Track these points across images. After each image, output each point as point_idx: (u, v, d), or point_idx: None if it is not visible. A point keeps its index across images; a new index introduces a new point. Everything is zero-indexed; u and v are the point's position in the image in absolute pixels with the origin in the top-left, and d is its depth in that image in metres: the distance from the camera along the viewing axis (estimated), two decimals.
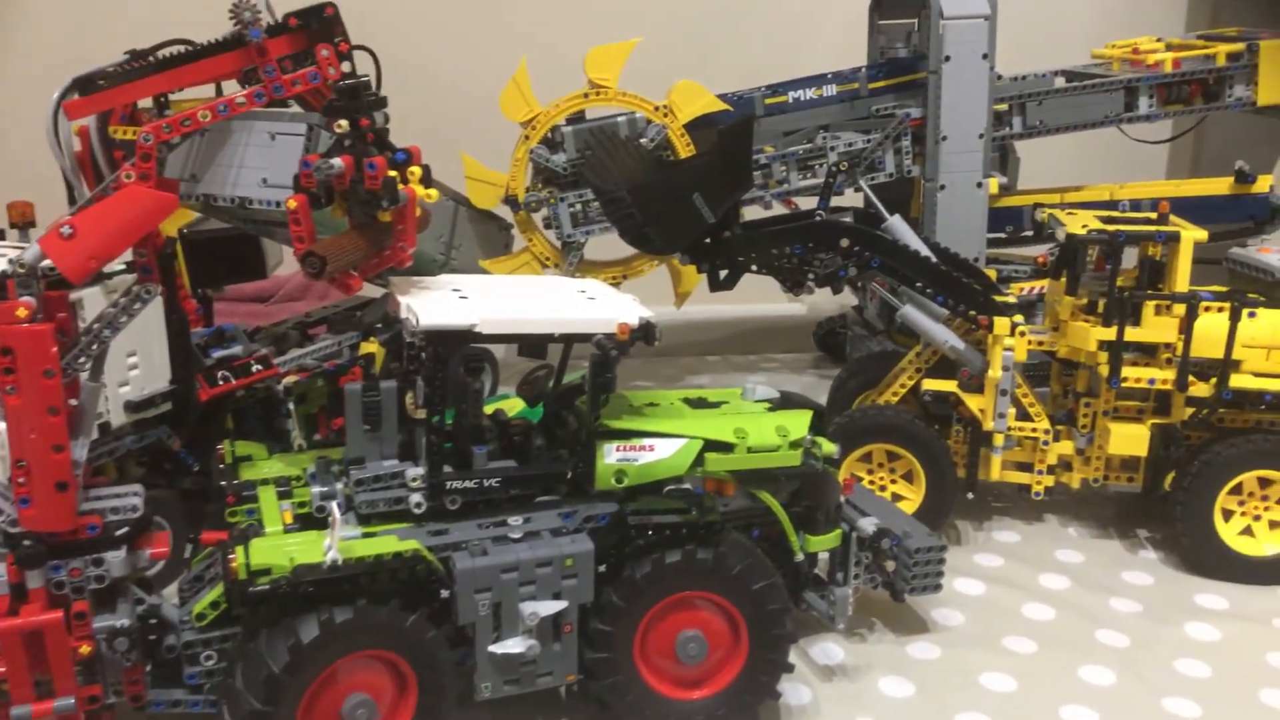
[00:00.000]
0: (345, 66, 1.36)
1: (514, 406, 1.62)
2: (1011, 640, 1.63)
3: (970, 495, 1.91)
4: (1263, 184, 2.29)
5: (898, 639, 1.63)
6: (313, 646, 1.20)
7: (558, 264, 2.39)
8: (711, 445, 1.44)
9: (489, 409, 1.50)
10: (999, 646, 1.61)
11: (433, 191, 1.32)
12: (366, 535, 1.31)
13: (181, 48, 1.40)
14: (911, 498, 1.88)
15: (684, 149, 2.32)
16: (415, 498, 1.33)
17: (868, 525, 1.56)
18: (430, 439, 1.32)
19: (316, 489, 1.39)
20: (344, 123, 1.26)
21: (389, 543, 1.28)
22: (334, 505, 1.27)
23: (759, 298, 2.68)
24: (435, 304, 1.32)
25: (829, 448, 1.53)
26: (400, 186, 1.28)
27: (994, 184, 2.32)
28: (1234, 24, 2.70)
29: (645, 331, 1.37)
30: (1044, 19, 3.19)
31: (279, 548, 1.26)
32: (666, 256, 2.32)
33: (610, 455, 1.40)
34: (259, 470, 1.46)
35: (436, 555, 1.30)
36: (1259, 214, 2.30)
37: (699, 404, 1.55)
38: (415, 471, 1.34)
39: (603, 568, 1.35)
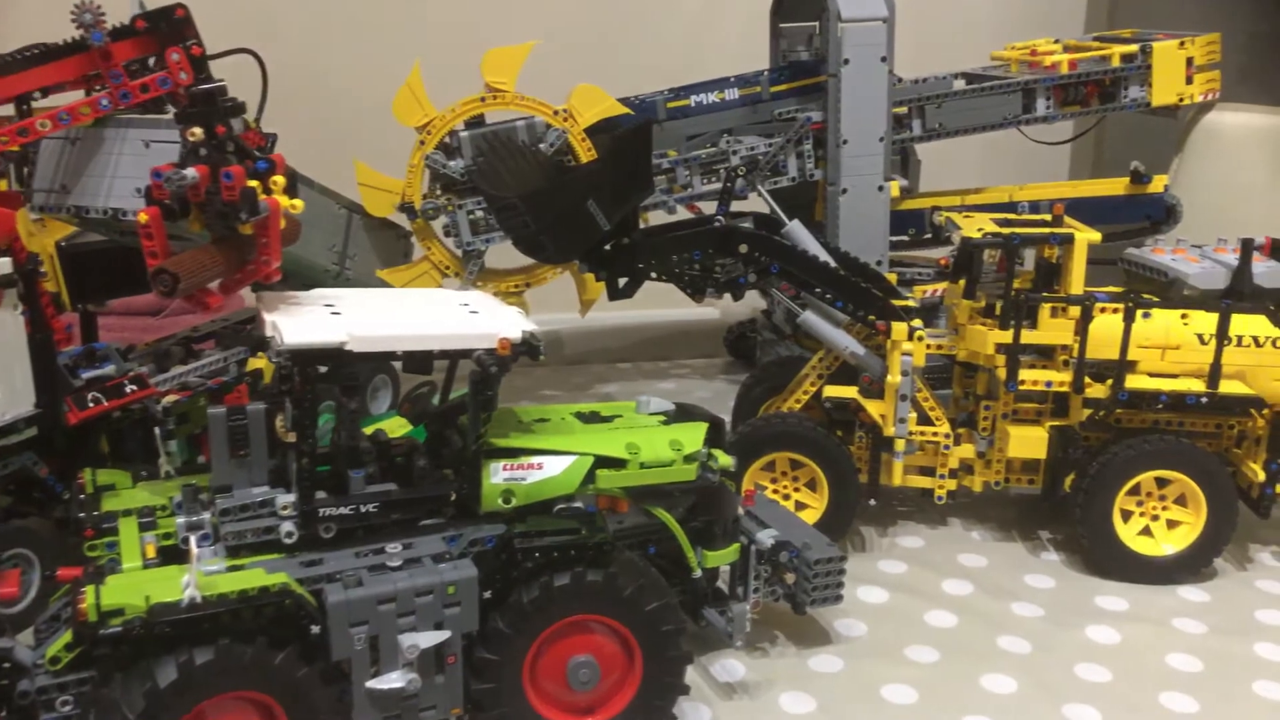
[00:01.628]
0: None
1: (399, 426, 1.55)
2: (914, 649, 1.61)
3: (873, 502, 1.89)
4: (1158, 184, 2.32)
5: (800, 652, 1.60)
6: (172, 691, 1.13)
7: (458, 273, 2.33)
8: (603, 462, 1.40)
9: (370, 428, 1.43)
10: (901, 657, 1.59)
11: (298, 202, 1.25)
12: (232, 569, 1.24)
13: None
14: (815, 506, 1.86)
15: (585, 153, 2.27)
16: (286, 527, 1.26)
17: (766, 538, 1.53)
18: (301, 463, 1.25)
19: (182, 519, 1.31)
20: (198, 130, 1.19)
21: (255, 576, 1.21)
22: (192, 538, 1.19)
23: (670, 303, 2.65)
24: (302, 320, 1.25)
25: (725, 460, 1.50)
26: (262, 197, 1.21)
27: (895, 187, 2.31)
28: (1130, 26, 2.74)
29: (528, 346, 1.32)
30: (945, 20, 3.21)
31: (135, 585, 1.18)
32: (567, 264, 2.27)
33: (497, 475, 1.35)
34: (122, 500, 1.37)
35: (309, 587, 1.23)
36: (1155, 214, 2.33)
37: (592, 418, 1.50)
38: (286, 499, 1.27)
39: (489, 594, 1.29)
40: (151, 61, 1.34)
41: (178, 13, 1.26)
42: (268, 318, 1.26)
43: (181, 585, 1.15)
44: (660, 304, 2.49)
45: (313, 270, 2.24)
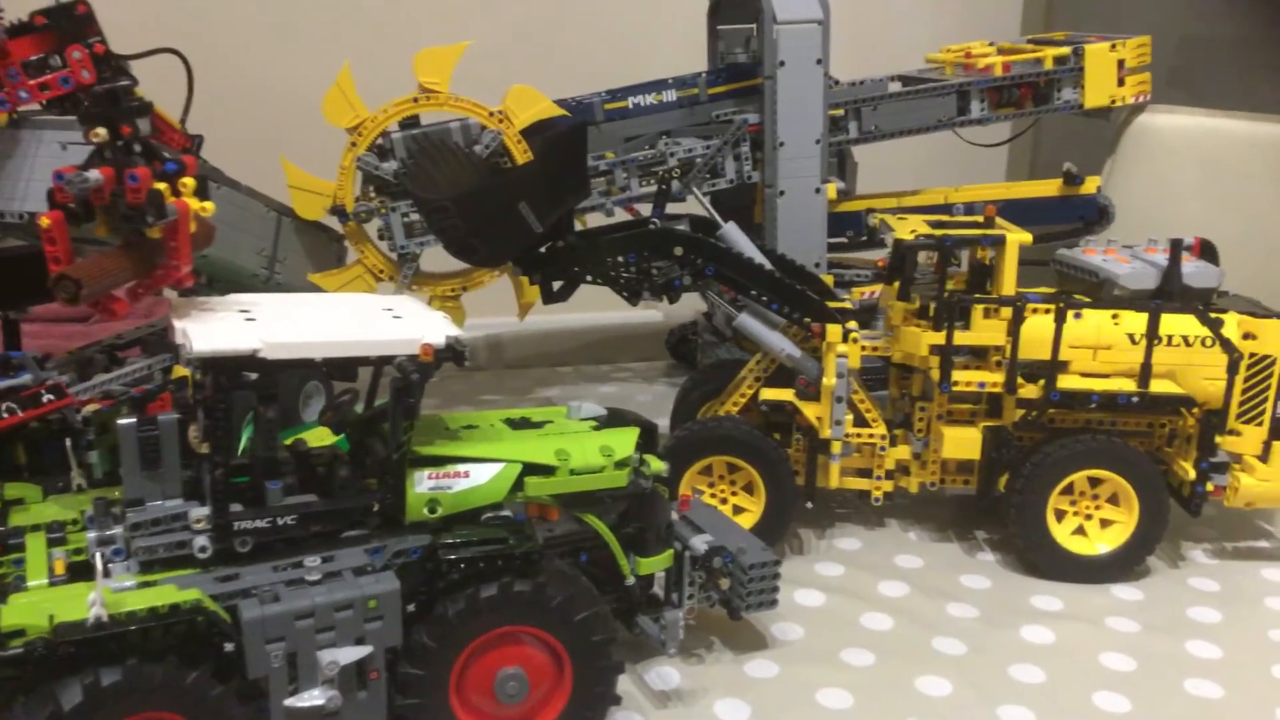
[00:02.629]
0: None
1: (322, 435, 1.51)
2: (850, 653, 1.60)
3: (809, 504, 1.88)
4: (1091, 185, 2.34)
5: (736, 658, 1.59)
6: (76, 714, 1.08)
7: (392, 276, 2.28)
8: (532, 469, 1.37)
9: (290, 438, 1.39)
10: (837, 661, 1.58)
11: (208, 204, 1.21)
12: (143, 585, 1.19)
13: None
14: (752, 509, 1.85)
15: (521, 155, 2.24)
16: (199, 541, 1.22)
17: (700, 544, 1.51)
18: (214, 475, 1.21)
19: (93, 534, 1.26)
20: (102, 131, 1.14)
21: (166, 593, 1.16)
22: (99, 554, 1.15)
23: (611, 306, 2.64)
24: (215, 327, 1.21)
25: (657, 465, 1.48)
26: (171, 200, 1.17)
27: (832, 189, 2.31)
28: (1066, 28, 2.77)
29: (453, 352, 1.29)
30: (883, 22, 3.23)
31: (39, 604, 1.13)
32: (503, 268, 2.24)
33: (421, 484, 1.32)
34: (30, 515, 1.32)
35: (224, 603, 1.19)
36: (1088, 214, 2.35)
37: (521, 425, 1.48)
38: (199, 512, 1.22)
39: (412, 606, 1.26)
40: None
41: (79, 9, 1.21)
42: (178, 324, 1.22)
43: (88, 603, 1.11)
44: (601, 307, 2.46)
45: (240, 274, 2.19)
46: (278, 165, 2.21)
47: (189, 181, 1.18)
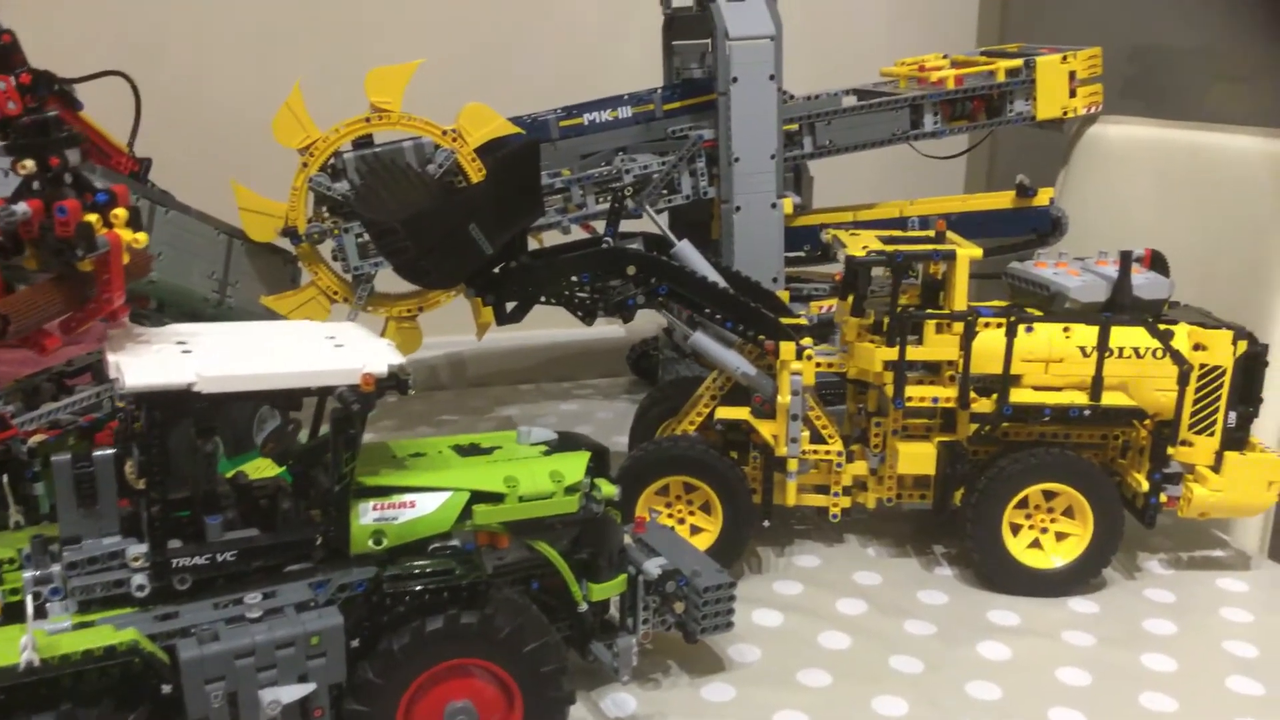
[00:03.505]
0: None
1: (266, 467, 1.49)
2: (807, 674, 1.59)
3: (766, 523, 1.87)
4: (1043, 197, 2.35)
5: (692, 681, 1.58)
6: None
7: (347, 298, 2.26)
8: (480, 496, 1.36)
9: (232, 470, 1.37)
10: (794, 682, 1.57)
11: (141, 236, 1.19)
12: (79, 626, 1.16)
13: None
14: (710, 528, 1.84)
15: (475, 174, 2.23)
16: (137, 580, 1.20)
17: (653, 568, 1.50)
18: (151, 512, 1.19)
19: (29, 573, 1.23)
20: (29, 163, 1.12)
21: (102, 634, 1.14)
22: (29, 595, 1.12)
23: (573, 322, 2.63)
24: (149, 360, 1.19)
25: (609, 490, 1.46)
26: (102, 232, 1.14)
27: (788, 204, 2.31)
28: (1020, 39, 2.79)
29: (396, 381, 1.27)
30: (841, 35, 3.24)
31: None
32: (460, 287, 2.22)
33: (366, 515, 1.30)
34: None
35: (162, 643, 1.16)
36: (1040, 227, 2.36)
37: (470, 451, 1.46)
38: (137, 550, 1.20)
39: (357, 641, 1.24)
40: None
41: (3, 38, 1.19)
42: (112, 358, 1.19)
43: (19, 647, 1.08)
44: (563, 323, 2.44)
45: (191, 299, 2.16)
46: (229, 186, 2.19)
47: (121, 213, 1.16)
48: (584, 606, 1.45)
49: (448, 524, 1.33)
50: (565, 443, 1.52)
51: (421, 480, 1.34)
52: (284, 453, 1.36)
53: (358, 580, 1.29)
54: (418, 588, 1.26)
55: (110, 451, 1.22)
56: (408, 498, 1.32)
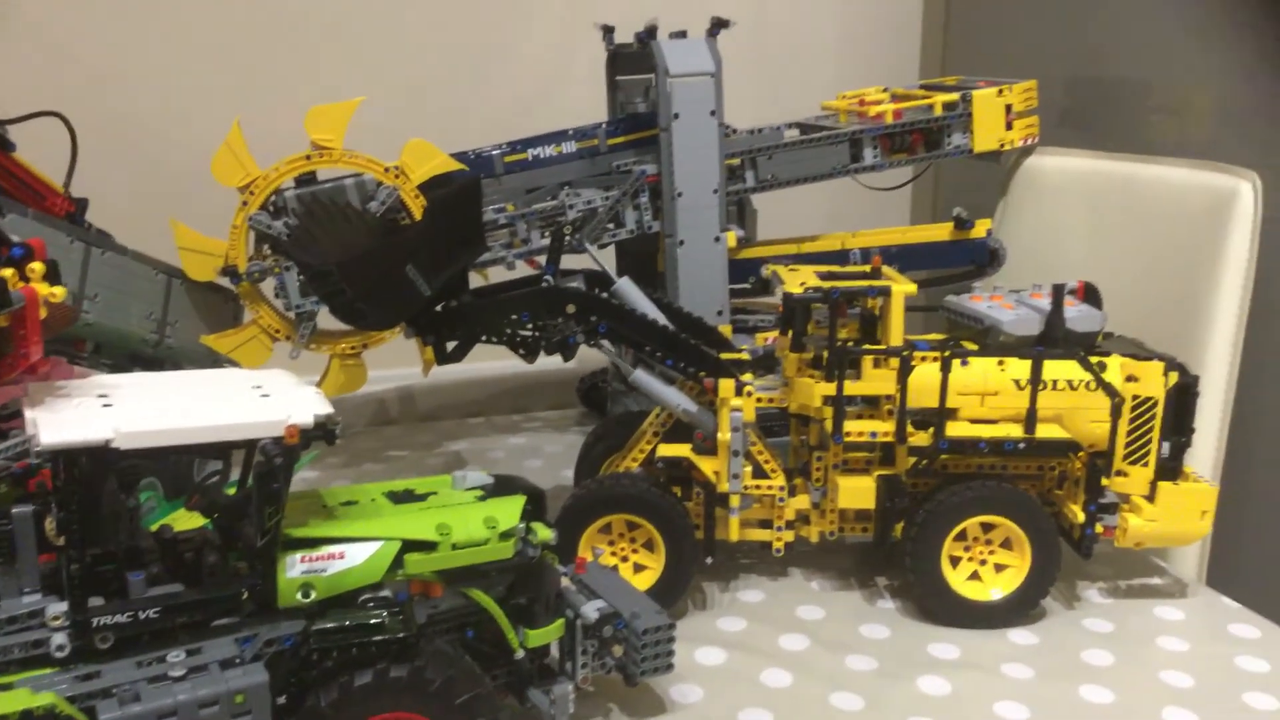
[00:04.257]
0: None
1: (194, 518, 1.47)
2: (748, 713, 1.59)
3: (709, 560, 1.87)
4: (980, 229, 2.38)
5: None
6: None
7: (289, 336, 2.25)
8: (412, 545, 1.35)
9: (156, 524, 1.35)
10: None
11: (58, 290, 1.17)
12: None
13: None
14: (653, 566, 1.84)
15: (419, 210, 2.23)
16: (57, 639, 1.17)
17: (591, 611, 1.49)
18: (71, 569, 1.17)
19: None
20: None
21: (19, 698, 1.11)
22: None
23: None
24: (66, 415, 1.17)
25: (545, 534, 1.46)
26: (18, 286, 1.13)
27: (732, 237, 2.33)
28: (961, 71, 2.83)
29: (323, 431, 1.26)
30: (787, 66, 3.28)
31: None
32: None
33: (294, 568, 1.28)
34: None
35: (81, 704, 1.14)
36: (979, 258, 2.39)
37: (403, 497, 1.45)
38: (57, 608, 1.18)
39: (284, 698, 1.22)
40: None
41: None
42: (29, 413, 1.18)
43: None
44: (513, 355, 2.45)
45: (129, 340, 2.14)
46: (164, 224, 2.17)
47: (37, 267, 1.15)
48: (520, 653, 1.44)
49: (378, 575, 1.32)
50: (501, 486, 1.51)
51: (351, 530, 1.33)
52: (210, 505, 1.34)
53: (285, 635, 1.27)
54: (346, 642, 1.25)
55: (29, 508, 1.20)
56: (337, 549, 1.30)
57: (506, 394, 3.00)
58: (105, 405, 1.21)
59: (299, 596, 1.28)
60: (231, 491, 1.38)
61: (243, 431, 1.21)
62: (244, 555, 1.30)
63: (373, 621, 1.28)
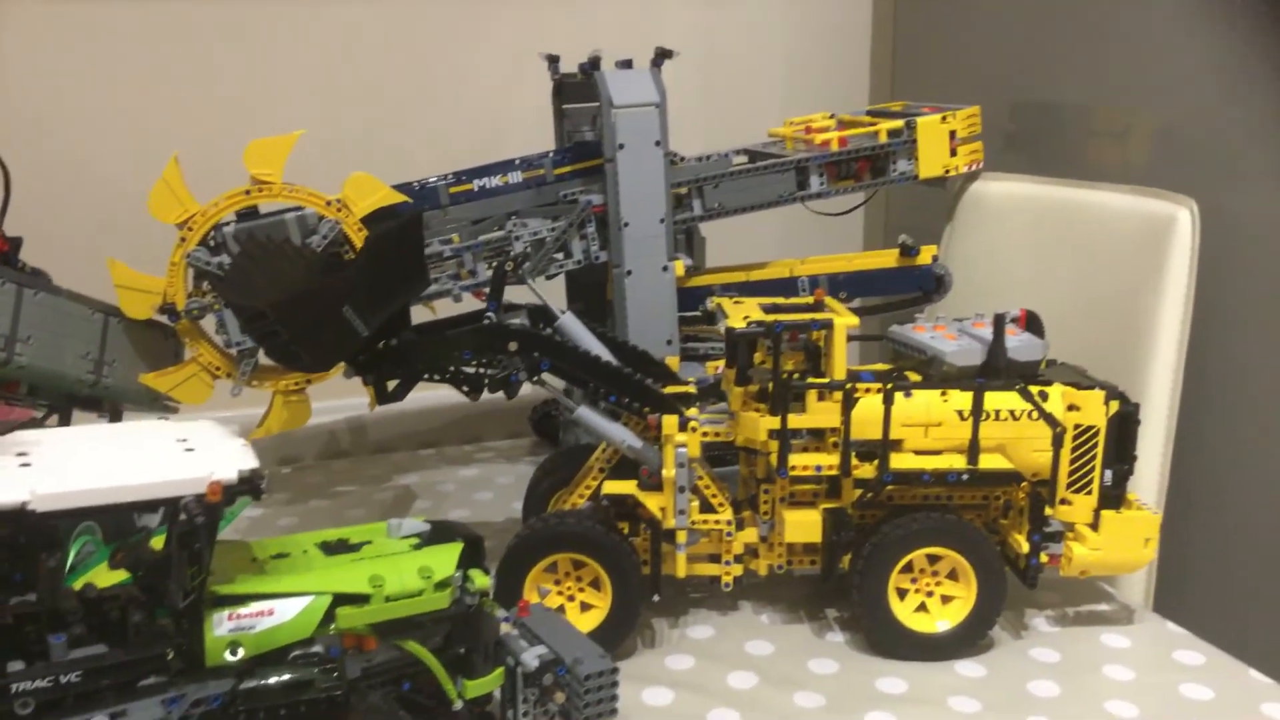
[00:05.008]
0: None
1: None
2: None
3: (656, 598, 1.86)
4: (926, 255, 2.39)
5: None
6: None
7: (230, 373, 2.21)
8: (343, 598, 1.32)
9: (79, 581, 1.32)
10: None
11: None
12: None
13: None
14: (600, 604, 1.82)
15: (362, 245, 2.20)
16: None
17: (531, 659, 1.47)
18: None
19: None
20: None
21: None
22: None
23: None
24: None
25: (482, 581, 1.44)
26: None
27: (680, 266, 2.32)
28: (907, 95, 2.85)
29: (249, 486, 1.23)
30: (737, 92, 3.29)
31: None
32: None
33: (221, 626, 1.26)
34: None
35: None
36: (925, 285, 2.40)
37: (337, 548, 1.43)
38: None
39: None
40: None
41: None
42: None
43: None
44: None
45: (64, 381, 2.10)
46: (100, 261, 2.13)
47: None
48: (459, 704, 1.42)
49: (308, 630, 1.29)
50: (438, 533, 1.49)
51: (281, 585, 1.30)
52: (135, 562, 1.31)
53: (213, 694, 1.24)
54: (275, 701, 1.22)
55: None
56: (265, 605, 1.28)
57: (459, 423, 2.98)
58: (23, 465, 1.18)
59: (227, 655, 1.25)
60: (159, 544, 1.35)
61: (164, 490, 1.19)
62: (170, 613, 1.27)
63: (302, 679, 1.26)
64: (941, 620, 1.81)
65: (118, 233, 2.36)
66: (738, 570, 1.89)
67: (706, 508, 1.88)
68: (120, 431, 1.34)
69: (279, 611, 1.28)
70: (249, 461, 1.25)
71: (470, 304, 2.29)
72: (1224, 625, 1.94)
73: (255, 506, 2.45)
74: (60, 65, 2.78)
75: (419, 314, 2.25)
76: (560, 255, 2.36)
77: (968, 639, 1.81)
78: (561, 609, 1.81)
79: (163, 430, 1.34)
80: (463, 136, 2.97)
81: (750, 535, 1.89)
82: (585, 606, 1.83)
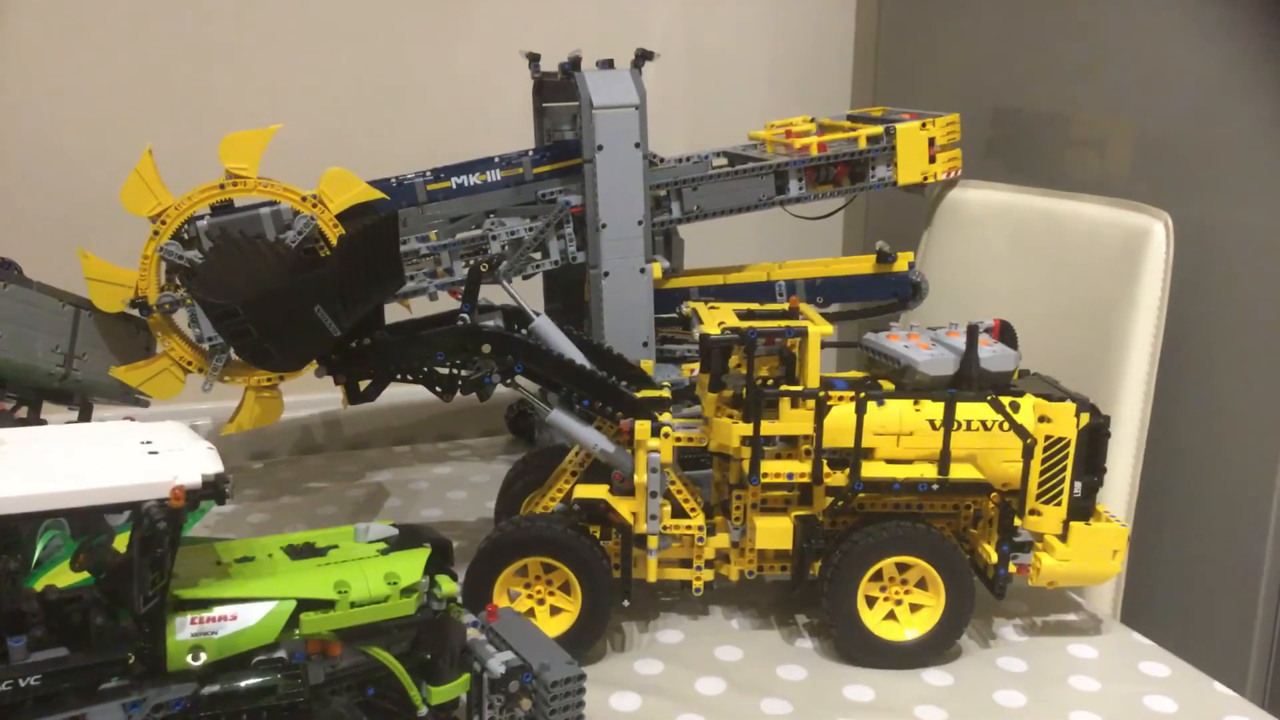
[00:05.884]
0: None
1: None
2: None
3: (626, 603, 1.86)
4: (903, 262, 2.39)
5: None
6: None
7: (201, 368, 2.19)
8: (308, 604, 1.31)
9: (42, 581, 1.30)
10: None
11: None
12: None
13: None
14: (570, 608, 1.82)
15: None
16: None
17: (497, 666, 1.47)
18: None
19: None
20: None
21: None
22: None
23: None
24: None
25: (449, 588, 1.43)
26: None
27: (657, 268, 2.31)
28: (889, 101, 2.85)
29: (213, 491, 1.22)
30: (720, 93, 3.28)
31: None
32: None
33: (183, 630, 1.25)
34: None
35: None
36: (901, 292, 2.41)
37: (303, 551, 1.42)
38: None
39: None
40: None
41: None
42: None
43: None
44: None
45: (34, 374, 2.08)
46: (72, 254, 2.11)
47: None
48: (424, 711, 1.41)
49: (272, 636, 1.28)
50: (406, 538, 1.48)
51: (245, 590, 1.29)
52: (97, 565, 1.30)
53: (175, 699, 1.23)
54: (236, 707, 1.21)
55: None
56: (229, 610, 1.27)
57: (434, 420, 2.97)
58: None
59: (189, 660, 1.24)
60: (123, 542, 1.33)
61: (126, 494, 1.17)
62: (132, 617, 1.26)
63: (265, 685, 1.25)
64: (910, 629, 1.82)
65: (90, 225, 2.34)
66: (709, 575, 1.89)
67: (679, 512, 1.88)
68: (84, 432, 1.33)
69: (242, 616, 1.27)
70: (213, 465, 1.24)
71: (446, 302, 2.29)
72: (1190, 636, 1.96)
73: (228, 502, 2.43)
74: (32, 54, 2.75)
75: (395, 312, 2.25)
76: (538, 255, 2.36)
77: (936, 648, 1.82)
78: (531, 612, 1.81)
79: (127, 432, 1.33)
80: (442, 133, 2.95)
81: (722, 541, 1.89)
82: (555, 610, 1.82)
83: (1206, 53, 2.27)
